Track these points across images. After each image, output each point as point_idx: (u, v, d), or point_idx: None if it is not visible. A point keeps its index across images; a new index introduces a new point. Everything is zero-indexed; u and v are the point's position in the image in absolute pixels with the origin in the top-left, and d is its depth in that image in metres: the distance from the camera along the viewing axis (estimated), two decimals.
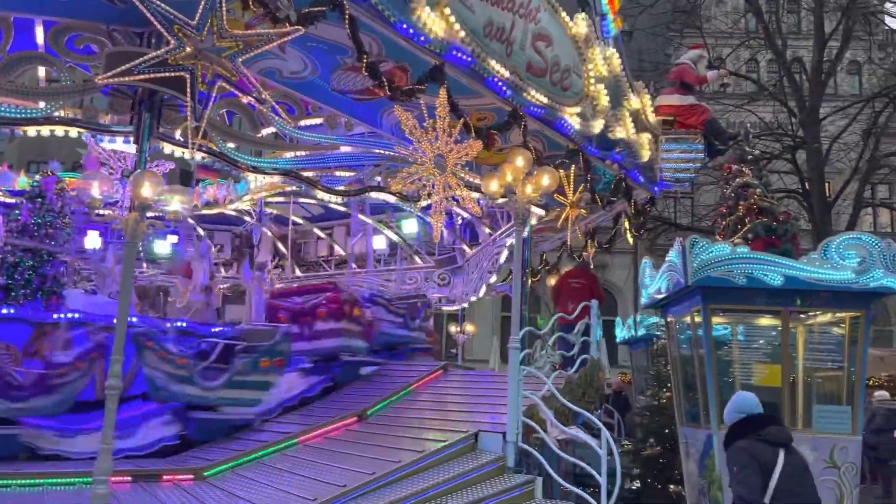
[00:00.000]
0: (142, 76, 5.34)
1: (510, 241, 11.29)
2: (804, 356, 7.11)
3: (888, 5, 21.37)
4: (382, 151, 9.59)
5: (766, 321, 7.09)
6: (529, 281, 10.25)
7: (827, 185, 19.61)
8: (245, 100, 6.50)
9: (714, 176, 17.98)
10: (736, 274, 6.48)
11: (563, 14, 7.83)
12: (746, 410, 4.35)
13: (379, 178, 10.70)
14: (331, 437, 7.53)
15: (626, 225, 10.60)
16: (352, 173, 10.82)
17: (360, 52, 6.06)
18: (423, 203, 6.82)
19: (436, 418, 7.82)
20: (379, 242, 13.48)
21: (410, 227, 12.94)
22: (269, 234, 13.39)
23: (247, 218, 12.58)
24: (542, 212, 10.45)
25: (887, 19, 22.50)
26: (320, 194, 10.52)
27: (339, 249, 14.11)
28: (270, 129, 9.68)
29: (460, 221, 12.76)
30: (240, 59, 5.45)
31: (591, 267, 10.44)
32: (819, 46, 19.18)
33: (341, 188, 10.73)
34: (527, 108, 7.52)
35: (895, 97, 19.82)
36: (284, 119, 7.80)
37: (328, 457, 6.79)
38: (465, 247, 13.11)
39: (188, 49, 5.27)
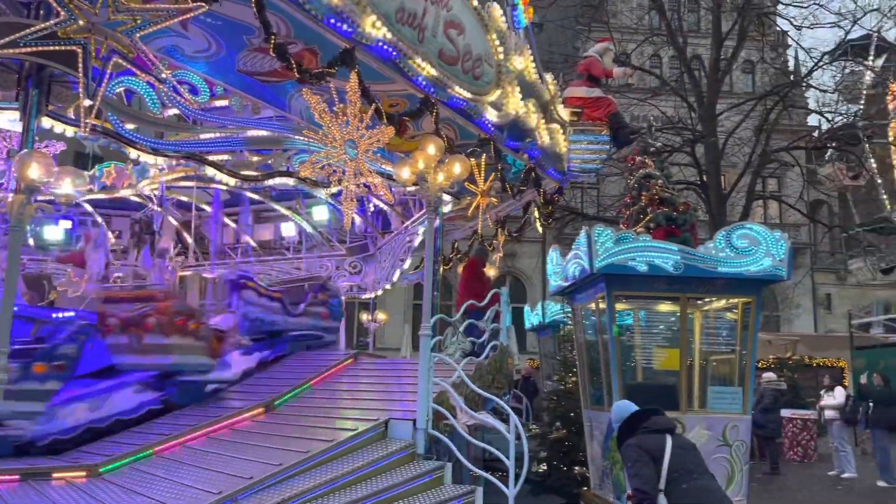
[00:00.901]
0: (28, 49, 4.98)
1: (422, 229, 11.29)
2: (700, 340, 7.47)
3: (780, 7, 22.60)
4: (291, 136, 9.36)
5: (665, 307, 7.40)
6: (441, 269, 10.28)
7: (723, 177, 20.68)
8: (144, 78, 6.17)
9: (619, 167, 18.60)
10: (638, 261, 6.71)
11: (475, 2, 7.84)
12: (621, 417, 4.57)
13: (287, 164, 10.45)
14: (237, 429, 7.33)
15: (536, 214, 10.78)
16: (259, 157, 10.51)
17: (268, 33, 5.87)
18: (334, 189, 6.69)
19: (346, 407, 7.75)
20: (288, 230, 13.19)
21: (321, 214, 12.72)
22: (172, 219, 12.85)
23: (137, 199, 11.97)
24: (454, 200, 10.49)
25: (779, 21, 23.78)
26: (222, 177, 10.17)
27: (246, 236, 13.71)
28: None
29: (372, 209, 12.65)
30: (137, 35, 5.17)
31: (479, 257, 10.52)
32: (716, 45, 20.12)
33: (247, 172, 10.40)
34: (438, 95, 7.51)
35: (785, 96, 21.07)
36: (186, 100, 7.47)
37: (234, 449, 6.61)
38: (377, 234, 13.03)
39: (80, 22, 4.95)
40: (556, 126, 9.69)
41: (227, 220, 13.40)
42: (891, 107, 23.67)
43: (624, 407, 4.67)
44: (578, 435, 8.68)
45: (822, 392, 14.37)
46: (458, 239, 12.39)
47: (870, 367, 22.14)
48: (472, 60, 7.76)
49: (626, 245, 6.73)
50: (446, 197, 9.77)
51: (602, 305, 7.14)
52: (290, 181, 10.64)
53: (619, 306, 7.15)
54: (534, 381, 17.35)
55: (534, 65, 9.09)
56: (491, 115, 8.18)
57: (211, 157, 9.86)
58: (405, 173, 6.64)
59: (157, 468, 6.44)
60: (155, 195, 11.58)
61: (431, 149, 6.56)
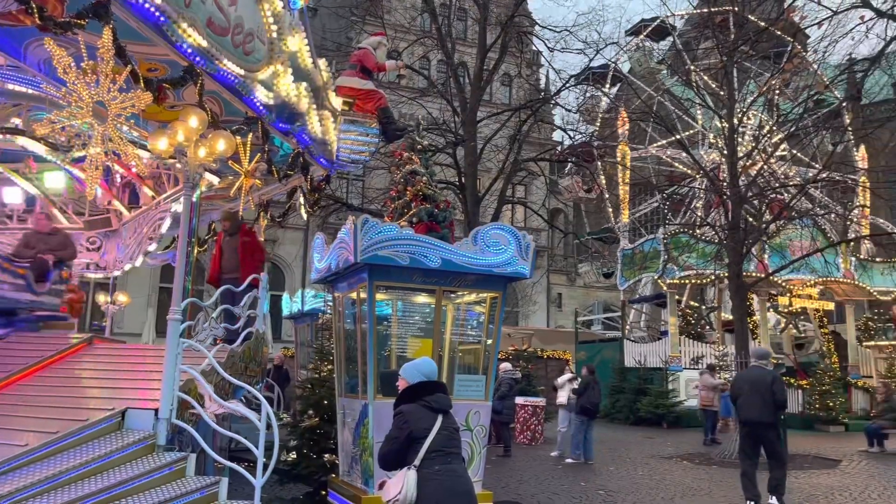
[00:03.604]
0: None
1: (176, 206, 10.53)
2: (451, 331, 7.90)
3: (537, 28, 24.67)
4: (24, 89, 8.20)
5: (421, 299, 7.70)
6: (195, 251, 9.69)
7: (479, 180, 22.08)
8: None
9: (385, 161, 19.02)
10: (400, 254, 6.90)
11: None
12: (426, 375, 4.65)
13: (18, 121, 9.14)
14: None
15: (301, 200, 10.60)
16: None
17: None
18: (77, 154, 5.98)
19: (76, 396, 6.99)
20: (13, 196, 11.55)
21: (55, 180, 11.31)
22: None
23: None
24: (215, 178, 9.94)
25: (536, 41, 25.96)
26: None
27: None
28: None
29: (119, 180, 11.54)
30: None
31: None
32: (481, 55, 21.39)
33: None
34: (204, 66, 7.05)
35: (536, 110, 23.05)
36: None
37: None
38: (122, 208, 11.90)
39: None
40: (326, 113, 9.60)
41: None
42: (620, 130, 27.07)
43: (429, 366, 4.70)
44: (330, 423, 8.72)
45: (558, 379, 15.88)
46: (216, 220, 11.78)
47: (590, 359, 25.16)
48: (242, 34, 7.38)
49: (391, 237, 6.90)
50: (208, 174, 9.22)
51: (363, 295, 7.24)
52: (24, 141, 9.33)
53: (378, 296, 7.30)
54: (286, 370, 17.13)
55: (307, 48, 8.91)
56: (260, 94, 7.88)
57: None
58: (162, 144, 6.16)
59: None
60: None
61: (193, 121, 6.17)
